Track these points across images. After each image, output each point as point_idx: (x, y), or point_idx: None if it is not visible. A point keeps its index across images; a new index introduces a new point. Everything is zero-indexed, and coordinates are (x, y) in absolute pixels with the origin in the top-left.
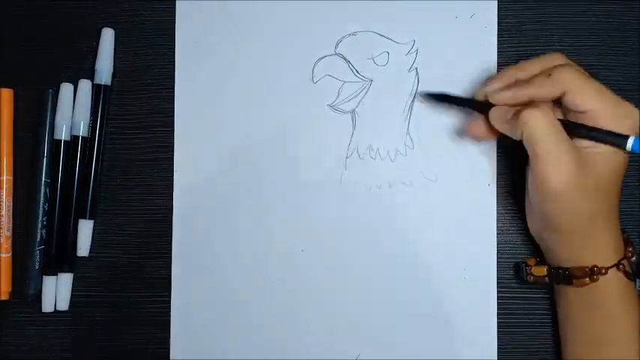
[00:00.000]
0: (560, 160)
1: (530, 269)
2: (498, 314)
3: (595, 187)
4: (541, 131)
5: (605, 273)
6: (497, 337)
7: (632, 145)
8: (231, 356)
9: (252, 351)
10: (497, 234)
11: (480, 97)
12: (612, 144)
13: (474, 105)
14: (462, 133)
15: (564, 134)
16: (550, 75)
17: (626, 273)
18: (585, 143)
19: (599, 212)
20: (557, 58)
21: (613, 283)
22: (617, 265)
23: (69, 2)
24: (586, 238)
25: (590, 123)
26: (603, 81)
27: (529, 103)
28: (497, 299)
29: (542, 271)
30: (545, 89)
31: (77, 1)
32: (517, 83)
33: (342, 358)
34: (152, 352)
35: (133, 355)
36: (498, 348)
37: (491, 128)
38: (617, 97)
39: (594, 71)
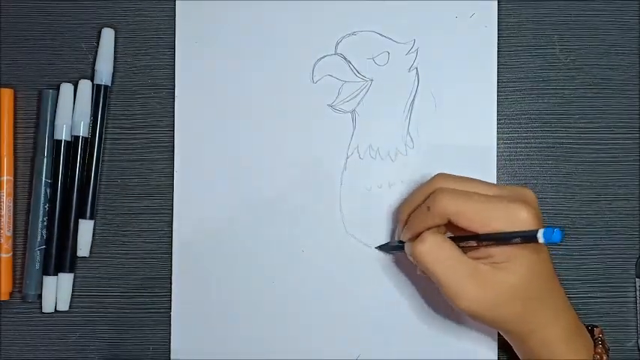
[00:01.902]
0: (455, 284)
1: None
2: None
3: (511, 296)
4: (429, 260)
5: None
6: (498, 337)
7: (544, 236)
8: (231, 356)
9: (252, 351)
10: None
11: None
12: (525, 240)
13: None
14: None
15: (456, 256)
16: (429, 208)
17: None
18: (499, 255)
19: (533, 318)
20: (434, 183)
21: None
22: None
23: (69, 2)
24: (538, 343)
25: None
26: (603, 81)
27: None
28: None
29: None
30: (431, 221)
31: (77, 1)
32: (409, 222)
33: (342, 359)
34: (152, 352)
35: (133, 355)
36: (498, 348)
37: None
38: (501, 202)
39: (594, 71)
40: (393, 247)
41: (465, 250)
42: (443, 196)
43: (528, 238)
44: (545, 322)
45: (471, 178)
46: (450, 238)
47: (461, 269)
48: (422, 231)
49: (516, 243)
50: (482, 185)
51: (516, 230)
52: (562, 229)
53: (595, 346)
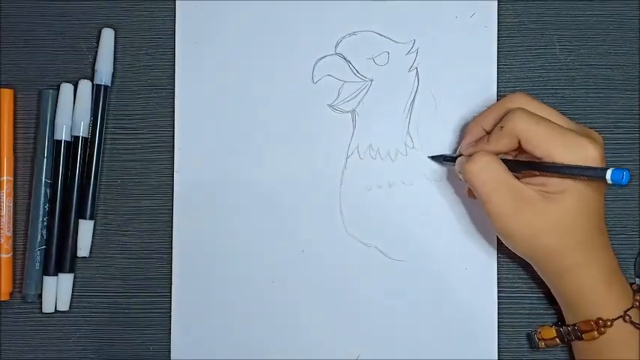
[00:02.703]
0: (496, 203)
1: (540, 334)
2: (498, 314)
3: (554, 228)
4: (476, 178)
5: (611, 325)
6: (498, 337)
7: (612, 177)
8: (231, 356)
9: (252, 351)
10: (497, 238)
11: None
12: (591, 177)
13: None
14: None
15: (503, 178)
16: (502, 127)
17: (634, 324)
18: (554, 185)
19: (572, 254)
20: (514, 100)
21: (621, 334)
22: (622, 317)
23: (69, 2)
24: (574, 281)
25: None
26: (603, 82)
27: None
28: (498, 299)
29: (551, 333)
30: (502, 143)
31: (77, 1)
32: (480, 140)
33: (343, 359)
34: (152, 352)
35: (133, 355)
36: (498, 348)
37: None
38: (571, 134)
39: (595, 70)
40: (446, 159)
41: (522, 174)
42: (517, 115)
43: (595, 175)
44: (584, 261)
45: (550, 107)
46: (514, 161)
47: (507, 192)
48: (489, 151)
49: (579, 178)
50: (557, 114)
51: (582, 165)
52: (629, 172)
53: (634, 293)
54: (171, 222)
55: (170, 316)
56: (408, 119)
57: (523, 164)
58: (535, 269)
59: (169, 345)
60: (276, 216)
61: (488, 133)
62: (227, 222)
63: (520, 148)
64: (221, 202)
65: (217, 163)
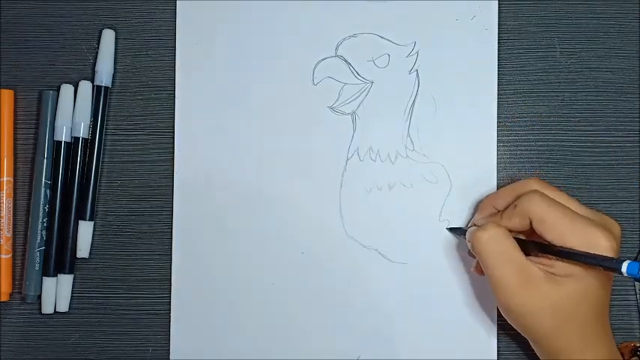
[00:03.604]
0: (501, 277)
1: None
2: (498, 314)
3: (554, 311)
4: (484, 248)
5: None
6: (497, 337)
7: (628, 270)
8: (231, 356)
9: (252, 351)
10: None
11: None
12: (604, 267)
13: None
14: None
15: (511, 252)
16: (515, 207)
17: None
18: (561, 268)
19: (567, 338)
20: (529, 184)
21: None
22: None
23: (69, 3)
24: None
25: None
26: (603, 85)
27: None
28: None
29: None
30: (514, 221)
31: (78, 2)
32: (493, 216)
33: (343, 359)
34: (152, 352)
35: (133, 356)
36: (498, 348)
37: None
38: (585, 222)
39: (595, 73)
40: (462, 232)
41: (531, 252)
42: (531, 197)
43: (609, 266)
44: (578, 347)
45: (566, 194)
46: (524, 241)
47: (513, 266)
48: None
49: (591, 266)
50: (574, 202)
51: (595, 254)
52: None
53: None
54: (171, 223)
55: (170, 317)
56: (408, 121)
57: (533, 245)
58: (532, 346)
59: (169, 345)
60: (276, 217)
61: (501, 212)
62: (227, 223)
63: (531, 230)
64: (221, 204)
65: (217, 165)
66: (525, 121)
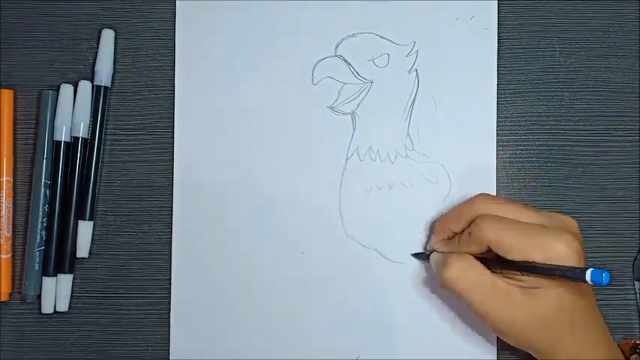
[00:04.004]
0: (483, 306)
1: None
2: None
3: (540, 323)
4: (456, 286)
5: None
6: (497, 337)
7: (592, 278)
8: (231, 356)
9: (252, 351)
10: None
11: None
12: (567, 277)
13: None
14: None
15: (483, 279)
16: (470, 234)
17: None
18: (532, 281)
19: (562, 349)
20: (477, 203)
21: None
22: None
23: (69, 3)
24: None
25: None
26: (603, 84)
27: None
28: None
29: None
30: (472, 247)
31: (77, 2)
32: (449, 242)
33: (343, 359)
34: (152, 352)
35: (132, 356)
36: (498, 348)
37: None
38: (540, 232)
39: (594, 73)
40: (426, 256)
41: (496, 270)
42: (482, 222)
43: (571, 276)
44: (575, 354)
45: (512, 202)
46: (489, 260)
47: (486, 291)
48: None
49: (556, 278)
50: (523, 211)
51: (558, 265)
52: (609, 272)
53: None
54: (171, 222)
55: (169, 317)
56: (407, 121)
57: (498, 263)
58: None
59: (169, 345)
60: (276, 217)
61: (457, 236)
62: (227, 223)
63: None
64: (221, 203)
65: (217, 165)
66: (525, 121)
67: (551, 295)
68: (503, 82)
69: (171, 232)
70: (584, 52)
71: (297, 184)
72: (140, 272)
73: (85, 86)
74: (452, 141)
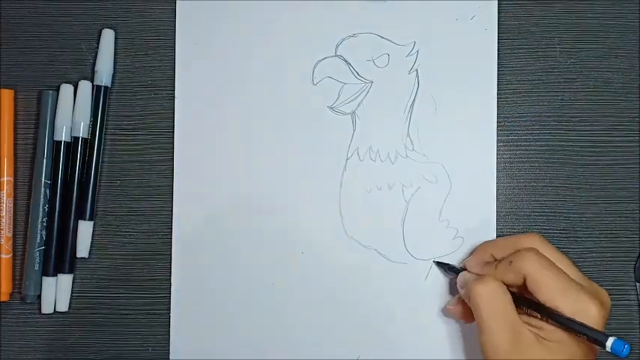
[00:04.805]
0: (495, 335)
1: None
2: None
3: None
4: (482, 304)
5: None
6: None
7: (613, 346)
8: (231, 356)
9: (252, 351)
10: (497, 236)
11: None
12: (589, 338)
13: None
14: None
15: (508, 311)
16: (511, 262)
17: None
18: (550, 332)
19: None
20: (530, 240)
21: None
22: None
23: (69, 3)
24: None
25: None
26: (603, 85)
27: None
28: None
29: None
30: (508, 276)
31: (77, 2)
32: (486, 265)
33: (342, 359)
34: (152, 352)
35: (133, 356)
36: None
37: (465, 312)
38: (578, 288)
39: (594, 73)
40: (450, 268)
41: (522, 310)
42: (528, 255)
43: (594, 338)
44: None
45: (562, 253)
46: (519, 296)
47: (507, 326)
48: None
49: (577, 334)
50: (569, 265)
51: (583, 323)
52: (630, 345)
53: None
54: (171, 222)
55: (169, 317)
56: (407, 121)
57: (527, 302)
58: None
59: (168, 345)
60: (276, 217)
61: (496, 262)
62: (227, 223)
63: (524, 286)
64: (221, 203)
65: (217, 164)
66: (525, 121)
67: (567, 352)
68: (503, 82)
69: (171, 232)
70: (585, 52)
71: (297, 184)
72: (140, 272)
73: (85, 86)
74: (452, 141)
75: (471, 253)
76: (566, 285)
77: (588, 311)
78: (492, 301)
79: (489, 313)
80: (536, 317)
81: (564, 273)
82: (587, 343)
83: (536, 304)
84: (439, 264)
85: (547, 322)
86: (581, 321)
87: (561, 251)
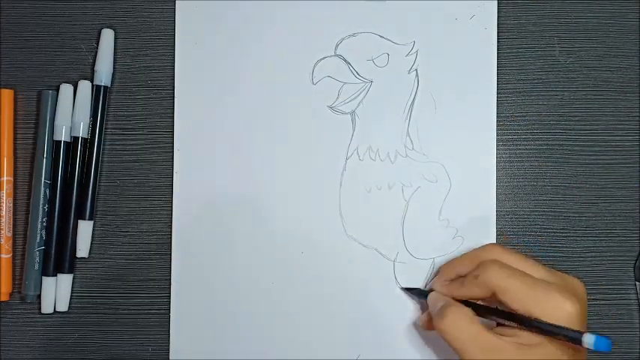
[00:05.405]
0: (473, 358)
1: None
2: None
3: None
4: (450, 339)
5: None
6: None
7: (595, 344)
8: (231, 356)
9: (252, 351)
10: (497, 236)
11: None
12: (568, 339)
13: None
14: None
15: (478, 335)
16: (477, 277)
17: None
18: (528, 337)
19: None
20: (489, 251)
21: None
22: None
23: (69, 3)
24: None
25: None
26: (603, 84)
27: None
28: None
29: None
30: (476, 291)
31: (77, 1)
32: (452, 283)
33: (342, 359)
34: (152, 352)
35: (132, 356)
36: None
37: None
38: (546, 288)
39: (594, 73)
40: (419, 293)
41: (494, 319)
42: (491, 267)
43: (572, 337)
44: None
45: (523, 255)
46: (490, 308)
47: (480, 346)
48: (458, 297)
49: (555, 336)
50: (533, 265)
51: (560, 325)
52: (611, 340)
53: None
54: (171, 222)
55: (169, 317)
56: (407, 121)
57: (500, 313)
58: None
59: (168, 345)
60: (276, 217)
61: (462, 278)
62: (226, 223)
63: (495, 297)
64: (220, 203)
65: (217, 164)
66: (525, 120)
67: (549, 353)
68: (503, 82)
69: (171, 232)
70: (584, 51)
71: (297, 183)
72: (140, 272)
73: (84, 86)
74: (452, 141)
75: (435, 274)
76: (533, 288)
77: (562, 308)
78: (456, 330)
79: (457, 341)
80: (512, 327)
81: (529, 276)
82: (568, 343)
83: (509, 313)
84: (407, 289)
85: (522, 329)
86: (557, 320)
87: (521, 253)
